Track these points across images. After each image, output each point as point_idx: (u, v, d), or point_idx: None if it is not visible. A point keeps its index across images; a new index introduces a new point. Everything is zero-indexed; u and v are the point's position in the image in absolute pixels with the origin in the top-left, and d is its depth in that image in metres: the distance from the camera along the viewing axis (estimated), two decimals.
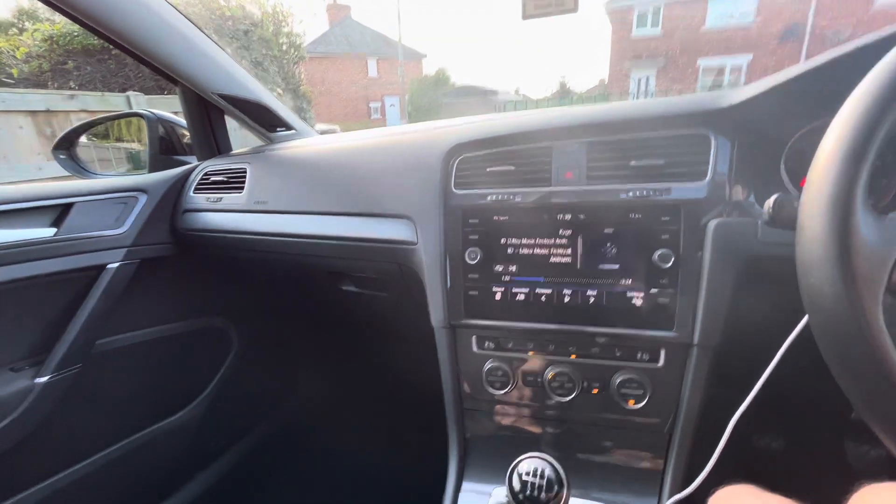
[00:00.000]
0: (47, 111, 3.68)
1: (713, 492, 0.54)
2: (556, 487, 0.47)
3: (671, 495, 0.61)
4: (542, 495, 0.46)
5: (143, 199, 0.99)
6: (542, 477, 0.47)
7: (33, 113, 3.60)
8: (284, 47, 7.13)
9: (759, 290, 0.61)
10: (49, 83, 5.92)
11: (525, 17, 0.75)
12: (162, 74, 1.00)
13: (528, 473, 0.48)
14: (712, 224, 0.60)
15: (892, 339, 0.35)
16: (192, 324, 1.14)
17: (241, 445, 1.33)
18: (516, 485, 0.47)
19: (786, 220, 0.45)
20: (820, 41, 13.13)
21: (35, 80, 5.96)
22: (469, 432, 0.76)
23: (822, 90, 0.55)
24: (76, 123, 1.24)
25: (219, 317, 1.20)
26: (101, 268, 0.91)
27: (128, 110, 1.22)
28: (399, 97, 24.18)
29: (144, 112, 1.15)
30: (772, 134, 0.61)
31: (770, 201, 0.46)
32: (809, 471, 0.52)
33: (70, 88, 5.54)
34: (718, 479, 0.58)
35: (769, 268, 0.59)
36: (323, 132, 1.32)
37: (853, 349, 0.33)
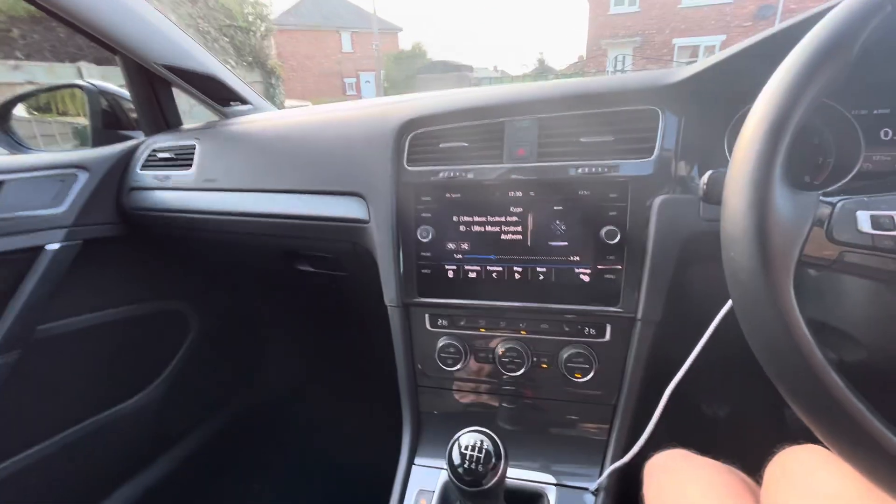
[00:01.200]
0: None
1: (650, 457, 0.57)
2: (493, 460, 0.48)
3: (613, 463, 0.64)
4: (480, 468, 0.47)
5: (83, 176, 0.94)
6: (480, 451, 0.48)
7: None
8: (251, 18, 6.78)
9: (699, 266, 0.63)
10: None
11: None
12: (99, 43, 0.94)
13: (466, 447, 0.48)
14: (657, 201, 0.60)
15: (803, 311, 0.37)
16: (146, 307, 1.11)
17: (204, 429, 1.31)
18: (456, 458, 0.48)
19: (718, 196, 0.46)
20: None
21: None
22: (423, 409, 0.77)
23: (762, 67, 0.55)
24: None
25: (175, 299, 1.16)
26: (38, 249, 0.86)
27: (65, 81, 1.14)
28: (375, 73, 23.54)
29: (84, 83, 1.08)
30: (717, 110, 0.62)
31: (704, 177, 0.47)
32: (749, 435, 0.55)
33: (15, 58, 5.15)
34: (658, 446, 0.61)
35: (709, 244, 0.60)
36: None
37: (766, 322, 0.34)
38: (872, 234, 0.33)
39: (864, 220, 0.34)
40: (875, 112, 0.58)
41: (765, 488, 0.45)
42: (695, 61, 0.70)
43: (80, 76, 3.84)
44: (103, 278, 1.02)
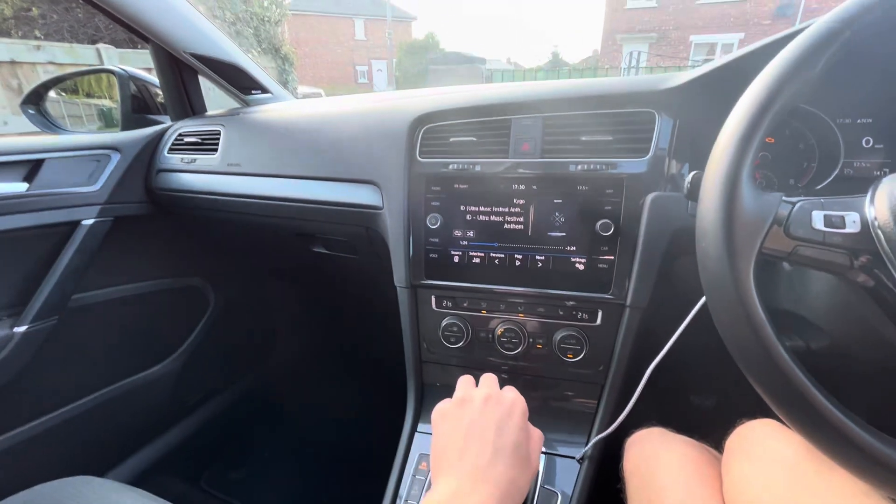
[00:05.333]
0: (12, 62, 3.50)
1: (631, 433, 0.63)
2: None
3: (598, 434, 0.70)
4: None
5: (115, 157, 1.00)
6: None
7: None
8: (266, 3, 6.80)
9: (685, 259, 0.68)
10: (12, 31, 5.58)
11: None
12: (133, 32, 0.99)
13: None
14: (649, 197, 0.65)
15: (778, 303, 0.41)
16: (169, 282, 1.18)
17: (218, 399, 1.39)
18: None
19: (698, 194, 0.51)
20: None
21: None
22: (426, 381, 0.83)
23: (747, 78, 0.60)
24: (43, 76, 1.22)
25: (196, 277, 1.23)
26: (75, 224, 0.92)
27: (99, 66, 1.20)
28: (387, 61, 23.45)
29: (116, 69, 1.14)
30: (709, 114, 0.66)
31: (688, 177, 0.52)
32: (733, 423, 0.61)
33: (35, 38, 5.23)
34: (639, 423, 0.67)
35: (693, 239, 0.65)
36: (306, 96, 1.32)
37: (728, 305, 0.39)
38: (824, 231, 0.38)
39: (818, 218, 0.39)
40: (858, 121, 0.63)
41: (724, 457, 0.51)
42: (712, 59, 0.75)
43: (99, 57, 3.91)
44: (131, 254, 1.09)
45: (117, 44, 4.41)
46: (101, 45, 4.19)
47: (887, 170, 0.62)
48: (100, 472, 1.09)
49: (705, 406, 1.09)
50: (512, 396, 0.47)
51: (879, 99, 0.61)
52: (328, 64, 23.71)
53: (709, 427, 0.68)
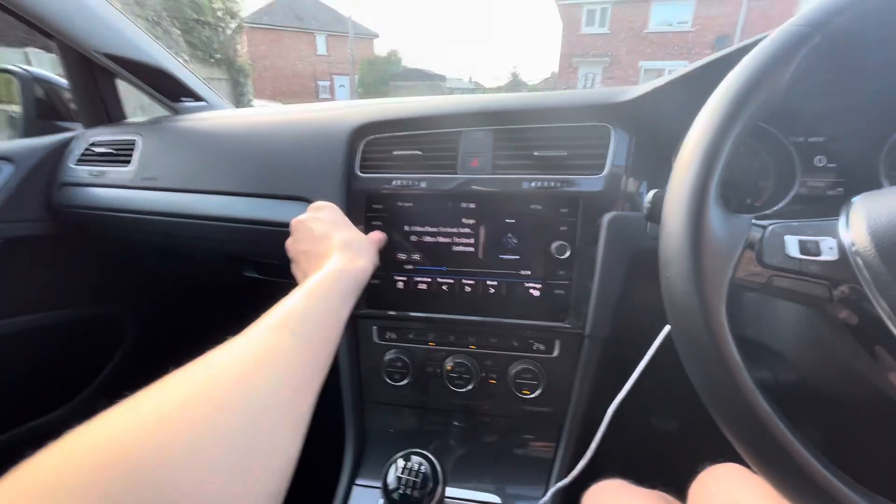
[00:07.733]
0: None
1: (588, 486, 0.56)
2: (430, 484, 0.46)
3: (557, 483, 0.63)
4: (416, 493, 0.45)
5: (7, 168, 0.86)
6: (416, 475, 0.46)
7: None
8: (220, 13, 6.58)
9: (646, 284, 0.63)
10: None
11: None
12: (32, 27, 0.87)
13: (403, 471, 0.46)
14: (607, 217, 0.60)
15: (742, 331, 0.36)
16: (76, 311, 1.02)
17: None
18: (391, 482, 0.46)
19: (659, 215, 0.46)
20: None
21: None
22: (368, 425, 0.73)
23: (705, 91, 0.57)
24: None
25: (109, 304, 1.08)
26: None
27: None
28: (349, 77, 23.37)
29: (15, 69, 1.00)
30: (667, 128, 0.63)
31: (648, 196, 0.47)
32: (695, 452, 0.56)
33: None
34: (607, 463, 0.60)
35: (656, 262, 0.61)
36: None
37: (698, 342, 0.34)
38: (800, 259, 0.34)
39: (792, 244, 0.34)
40: (810, 140, 0.61)
41: None
42: None
43: (27, 62, 3.59)
44: (29, 280, 0.93)
45: (49, 48, 4.09)
46: (30, 49, 3.86)
47: (841, 189, 0.60)
48: None
49: (667, 430, 1.05)
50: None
51: (830, 117, 0.59)
52: (288, 78, 23.31)
53: (672, 461, 0.63)
